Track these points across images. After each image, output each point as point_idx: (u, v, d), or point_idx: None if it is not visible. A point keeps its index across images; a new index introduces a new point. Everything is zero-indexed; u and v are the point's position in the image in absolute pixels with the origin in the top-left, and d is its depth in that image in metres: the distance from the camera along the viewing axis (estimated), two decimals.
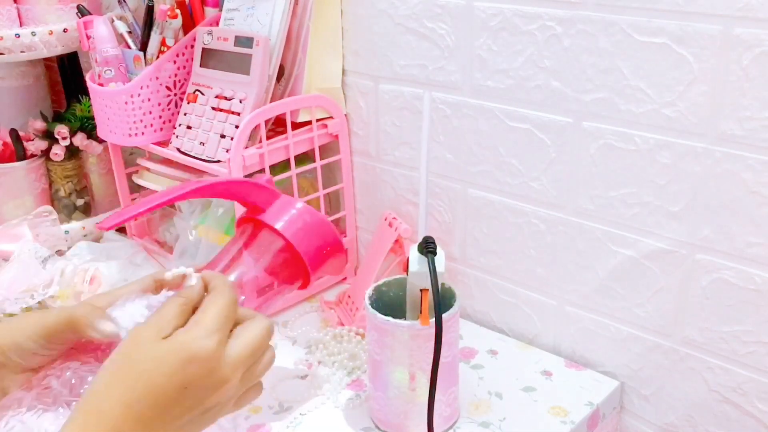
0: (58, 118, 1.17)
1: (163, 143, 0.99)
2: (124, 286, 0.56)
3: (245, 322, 0.53)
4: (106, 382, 0.47)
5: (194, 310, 0.52)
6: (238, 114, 0.90)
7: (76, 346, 0.53)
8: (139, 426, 0.46)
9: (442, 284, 0.71)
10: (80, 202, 1.19)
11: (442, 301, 0.68)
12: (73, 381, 0.51)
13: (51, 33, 1.07)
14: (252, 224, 0.61)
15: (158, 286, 0.56)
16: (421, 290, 0.70)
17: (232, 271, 0.59)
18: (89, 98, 1.06)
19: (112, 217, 0.57)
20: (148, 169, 1.05)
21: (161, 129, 1.00)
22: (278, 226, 0.60)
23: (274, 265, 0.60)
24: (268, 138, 0.92)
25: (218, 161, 0.90)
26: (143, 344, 0.48)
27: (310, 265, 0.61)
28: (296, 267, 0.61)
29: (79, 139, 1.14)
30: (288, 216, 0.60)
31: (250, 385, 0.53)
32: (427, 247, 0.69)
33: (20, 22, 1.10)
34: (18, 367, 0.52)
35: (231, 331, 0.52)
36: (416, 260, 0.69)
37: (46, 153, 1.15)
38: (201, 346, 0.48)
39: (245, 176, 0.88)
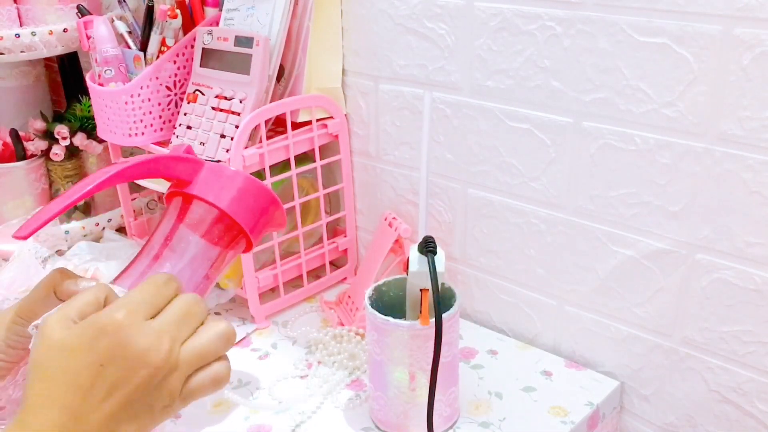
0: (58, 118, 1.17)
1: (163, 143, 0.99)
2: (31, 291, 0.54)
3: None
4: (30, 377, 0.45)
5: None
6: (238, 114, 0.90)
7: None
8: (67, 415, 0.44)
9: (442, 284, 0.71)
10: (80, 202, 1.19)
11: (442, 301, 0.68)
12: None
13: (51, 33, 1.07)
14: (181, 198, 0.60)
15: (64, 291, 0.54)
16: (421, 290, 0.70)
17: (171, 249, 0.58)
18: (89, 98, 1.06)
19: (30, 222, 0.54)
20: None
21: (161, 129, 1.00)
22: (210, 197, 0.58)
23: (212, 234, 0.59)
24: (268, 138, 0.92)
25: (218, 161, 0.90)
26: (53, 331, 0.46)
27: (251, 230, 0.60)
28: (235, 231, 0.60)
29: (79, 139, 1.14)
30: (217, 184, 0.59)
31: (195, 367, 0.48)
32: (427, 247, 0.69)
33: (20, 22, 1.10)
34: None
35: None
36: (416, 260, 0.69)
37: (46, 153, 1.15)
38: (109, 318, 0.46)
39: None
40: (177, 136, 0.96)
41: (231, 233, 0.59)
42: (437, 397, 0.69)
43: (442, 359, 0.68)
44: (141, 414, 0.46)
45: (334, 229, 1.08)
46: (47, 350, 0.45)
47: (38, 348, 0.46)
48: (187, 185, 0.59)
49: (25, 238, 0.52)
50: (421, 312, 0.70)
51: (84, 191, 0.54)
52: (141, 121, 0.98)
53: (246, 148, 0.89)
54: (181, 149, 0.61)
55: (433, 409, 0.68)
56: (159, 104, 0.98)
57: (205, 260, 0.58)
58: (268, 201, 0.61)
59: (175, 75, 0.98)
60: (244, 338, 0.94)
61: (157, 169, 0.59)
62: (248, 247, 0.61)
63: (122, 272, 0.56)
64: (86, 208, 1.20)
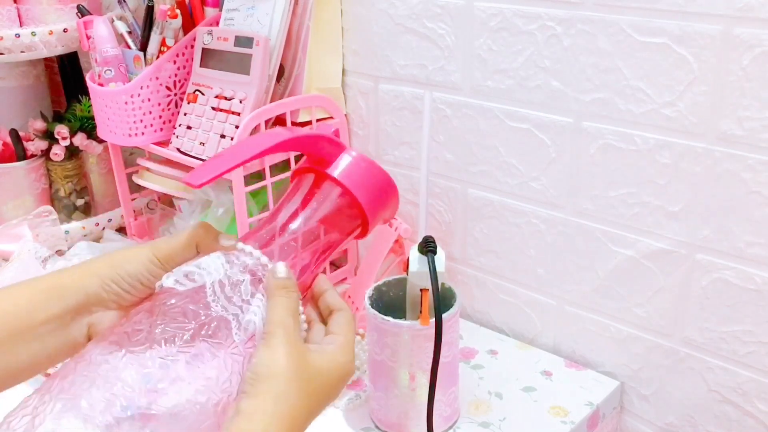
0: (58, 118, 1.17)
1: (163, 143, 0.99)
2: (171, 238, 0.55)
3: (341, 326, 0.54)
4: (291, 388, 0.47)
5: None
6: (238, 114, 0.90)
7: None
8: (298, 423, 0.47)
9: (442, 284, 0.71)
10: (80, 202, 1.19)
11: (442, 301, 0.68)
12: (163, 327, 0.49)
13: (51, 33, 1.07)
14: (313, 175, 0.60)
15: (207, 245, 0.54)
16: (421, 290, 0.70)
17: (297, 222, 0.58)
18: (89, 98, 1.06)
19: (204, 172, 0.54)
20: (148, 169, 1.05)
21: (161, 129, 1.00)
22: (340, 176, 0.58)
23: (333, 216, 0.58)
24: None
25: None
26: (307, 354, 0.49)
27: (369, 213, 0.59)
28: (355, 217, 0.60)
29: (79, 139, 1.14)
30: (348, 166, 0.58)
31: None
32: (427, 247, 0.69)
33: (20, 22, 1.10)
34: (113, 303, 0.52)
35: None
36: (416, 260, 0.69)
37: (46, 153, 1.15)
38: (351, 370, 0.51)
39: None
40: (177, 136, 0.96)
41: (353, 222, 0.59)
42: (437, 397, 0.69)
43: (442, 359, 0.68)
44: None
45: None
46: (306, 375, 0.48)
47: (297, 367, 0.47)
48: (326, 166, 0.58)
49: (199, 186, 0.53)
50: (421, 312, 0.70)
51: (255, 153, 0.56)
52: (141, 121, 0.98)
53: None
54: (329, 131, 0.60)
55: (433, 409, 0.68)
56: (159, 104, 0.98)
57: (324, 244, 0.58)
58: (392, 194, 0.61)
59: (175, 75, 0.98)
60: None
61: (309, 144, 0.59)
62: (361, 236, 0.61)
63: (254, 235, 0.55)
64: (86, 208, 1.20)
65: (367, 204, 0.58)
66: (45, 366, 0.52)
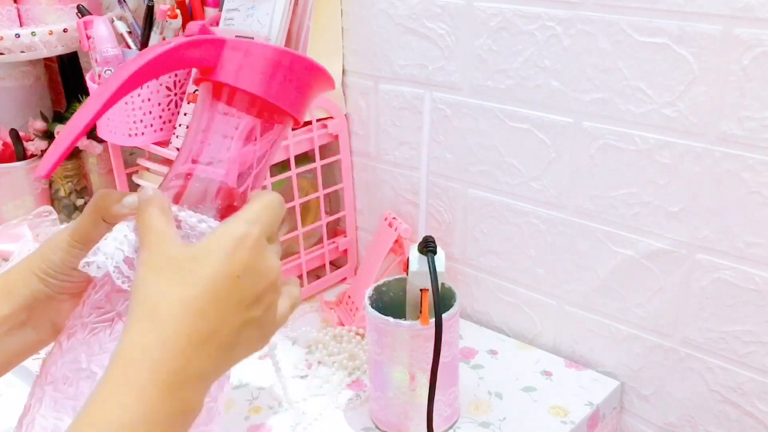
0: (58, 118, 1.17)
1: (163, 143, 0.99)
2: (82, 214, 0.52)
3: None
4: (154, 280, 0.43)
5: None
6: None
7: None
8: (201, 322, 0.43)
9: (442, 284, 0.71)
10: (80, 202, 1.19)
11: (442, 301, 0.68)
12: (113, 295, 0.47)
13: (51, 33, 1.07)
14: (210, 84, 0.53)
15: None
16: (421, 290, 0.70)
17: (212, 145, 0.52)
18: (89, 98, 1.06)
19: (47, 159, 0.49)
20: (148, 169, 1.05)
21: (161, 129, 1.00)
22: (240, 83, 0.50)
23: (248, 119, 0.52)
24: None
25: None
26: (171, 247, 0.45)
27: (292, 108, 0.52)
28: (266, 110, 0.53)
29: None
30: (247, 64, 0.51)
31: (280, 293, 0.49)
32: (427, 247, 0.69)
33: (20, 22, 1.10)
34: (60, 295, 0.51)
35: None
36: (416, 260, 0.69)
37: (46, 153, 1.15)
38: (244, 232, 0.45)
39: None
40: (177, 136, 0.96)
41: (273, 114, 0.53)
42: (437, 397, 0.69)
43: (442, 359, 0.68)
44: (252, 340, 0.46)
45: (334, 229, 1.08)
46: (179, 256, 0.44)
47: (165, 253, 0.44)
48: (212, 71, 0.52)
49: (47, 176, 0.49)
50: (421, 312, 0.70)
51: (102, 102, 0.49)
52: (141, 121, 0.98)
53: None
54: (195, 28, 0.52)
55: (433, 409, 0.68)
56: (159, 104, 0.98)
57: (253, 150, 0.53)
58: (307, 69, 0.53)
59: (175, 75, 0.98)
60: None
61: (174, 62, 0.51)
62: (296, 124, 0.55)
63: (166, 178, 0.52)
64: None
65: (267, 89, 0.51)
66: (10, 366, 0.52)
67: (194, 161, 0.52)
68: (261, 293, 0.46)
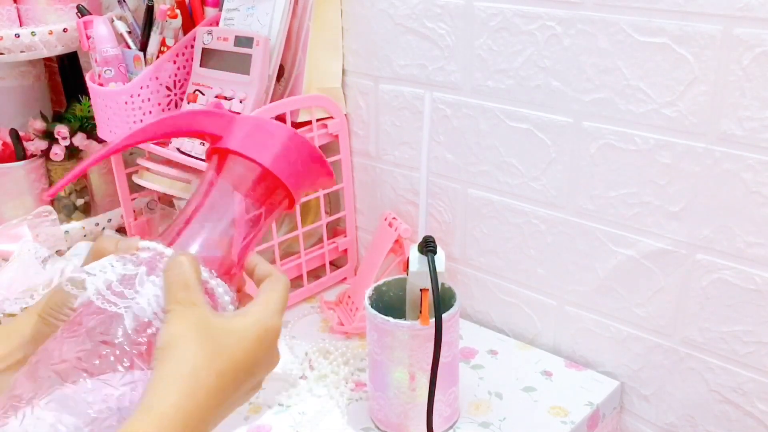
0: (58, 118, 1.17)
1: (163, 143, 0.99)
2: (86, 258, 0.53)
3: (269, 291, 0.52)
4: (194, 344, 0.46)
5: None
6: (238, 114, 0.90)
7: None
8: (223, 394, 0.46)
9: (442, 284, 0.71)
10: (80, 202, 1.19)
11: (442, 301, 0.68)
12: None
13: (51, 33, 1.07)
14: (218, 155, 0.55)
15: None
16: (421, 290, 0.70)
17: (213, 210, 0.53)
18: (89, 98, 1.06)
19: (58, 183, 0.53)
20: (148, 169, 1.05)
21: None
22: (251, 153, 0.53)
23: (253, 193, 0.54)
24: None
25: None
26: (211, 317, 0.47)
27: (292, 185, 0.54)
28: (277, 189, 0.55)
29: (79, 139, 1.14)
30: (253, 136, 0.54)
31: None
32: (427, 247, 0.69)
33: (20, 22, 1.10)
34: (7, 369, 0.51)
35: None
36: (416, 260, 0.69)
37: (46, 153, 1.15)
38: (275, 326, 0.50)
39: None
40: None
41: (273, 192, 0.55)
42: (437, 397, 0.69)
43: (442, 359, 0.68)
44: (238, 404, 0.50)
45: (334, 229, 1.08)
46: (216, 327, 0.47)
47: (203, 326, 0.47)
48: (219, 140, 0.54)
49: (52, 196, 0.52)
50: (421, 312, 0.70)
51: (109, 149, 0.52)
52: (141, 121, 0.98)
53: None
54: (211, 105, 0.57)
55: (433, 409, 0.68)
56: (159, 104, 0.98)
57: (247, 220, 0.55)
58: (313, 159, 0.56)
59: (175, 75, 0.98)
60: None
61: (184, 126, 0.55)
62: (291, 206, 0.57)
63: (165, 232, 0.53)
64: (86, 208, 1.20)
65: (272, 164, 0.53)
66: None
67: (195, 228, 0.53)
68: (267, 373, 0.51)
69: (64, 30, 1.08)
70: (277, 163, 0.54)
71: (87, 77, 1.03)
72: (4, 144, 1.15)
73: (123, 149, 0.53)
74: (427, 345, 0.69)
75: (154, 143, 0.99)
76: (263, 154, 0.54)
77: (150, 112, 0.98)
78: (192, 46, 0.97)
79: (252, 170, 0.54)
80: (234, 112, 0.55)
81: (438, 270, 0.68)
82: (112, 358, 0.46)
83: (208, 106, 0.56)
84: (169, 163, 1.01)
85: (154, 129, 0.54)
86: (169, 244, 0.51)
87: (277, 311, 0.51)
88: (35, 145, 1.14)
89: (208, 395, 0.45)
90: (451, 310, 0.71)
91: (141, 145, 1.00)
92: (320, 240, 1.04)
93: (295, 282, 1.01)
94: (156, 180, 1.03)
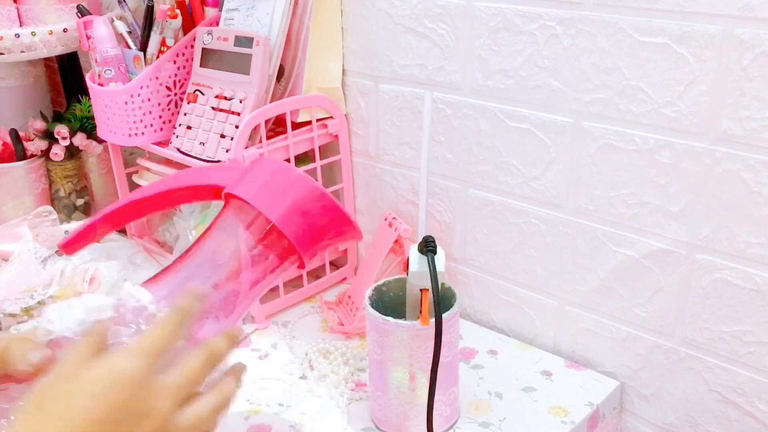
0: (58, 118, 1.17)
1: (163, 143, 0.99)
2: None
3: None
4: (34, 404, 0.44)
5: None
6: (238, 114, 0.90)
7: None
8: None
9: (442, 284, 0.71)
10: (80, 202, 1.19)
11: (442, 301, 0.68)
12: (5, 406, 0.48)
13: (51, 33, 1.07)
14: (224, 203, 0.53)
15: None
16: (421, 290, 0.70)
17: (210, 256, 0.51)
18: (89, 98, 1.06)
19: (74, 238, 0.52)
20: (148, 169, 1.05)
21: (161, 129, 1.00)
22: (244, 194, 0.48)
23: (257, 242, 0.51)
24: (268, 138, 0.92)
25: (218, 161, 0.90)
26: (69, 364, 0.45)
27: (298, 242, 0.48)
28: (284, 246, 0.50)
29: (79, 139, 1.14)
30: (248, 178, 0.49)
31: (188, 423, 0.47)
32: (427, 247, 0.69)
33: (20, 22, 1.10)
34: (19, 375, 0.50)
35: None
36: (416, 260, 0.70)
37: (46, 153, 1.15)
38: (127, 368, 0.44)
39: None
40: (177, 136, 0.96)
41: (278, 246, 0.51)
42: (437, 397, 0.69)
43: (442, 359, 0.68)
44: None
45: None
46: (62, 382, 0.44)
47: (55, 375, 0.45)
48: (222, 189, 0.52)
49: (70, 253, 0.52)
50: (421, 312, 0.70)
51: (126, 200, 0.54)
52: (141, 121, 0.98)
53: (246, 148, 0.89)
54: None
55: (433, 409, 0.68)
56: (159, 104, 0.98)
57: (249, 273, 0.52)
58: (331, 216, 0.50)
59: (175, 75, 0.98)
60: (244, 338, 0.94)
61: (199, 189, 0.53)
62: (301, 265, 0.52)
63: (158, 275, 0.52)
64: (86, 208, 1.20)
65: (281, 215, 0.48)
66: None
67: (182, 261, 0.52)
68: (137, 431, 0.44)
69: (64, 30, 1.09)
70: (285, 218, 0.49)
71: (87, 77, 1.03)
72: (4, 144, 1.16)
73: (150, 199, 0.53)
74: (427, 345, 0.69)
75: (153, 143, 0.99)
76: (263, 200, 0.50)
77: (150, 112, 0.98)
78: (192, 46, 0.97)
79: (249, 215, 0.51)
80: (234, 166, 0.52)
81: (438, 270, 0.68)
82: None
83: (221, 165, 0.53)
84: (169, 163, 1.01)
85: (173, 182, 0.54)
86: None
87: (138, 353, 0.45)
88: (35, 145, 1.14)
89: None
90: (451, 310, 0.71)
91: (141, 145, 1.01)
92: None
93: (295, 282, 1.01)
94: (156, 179, 1.03)
